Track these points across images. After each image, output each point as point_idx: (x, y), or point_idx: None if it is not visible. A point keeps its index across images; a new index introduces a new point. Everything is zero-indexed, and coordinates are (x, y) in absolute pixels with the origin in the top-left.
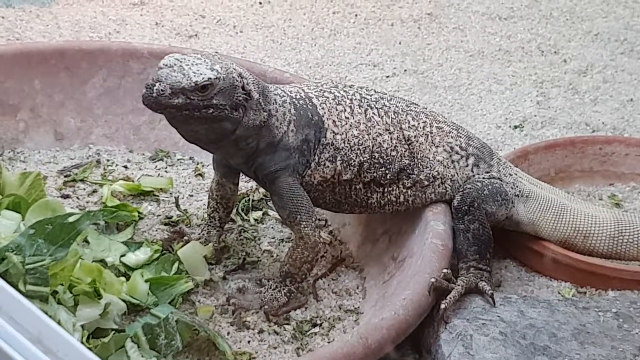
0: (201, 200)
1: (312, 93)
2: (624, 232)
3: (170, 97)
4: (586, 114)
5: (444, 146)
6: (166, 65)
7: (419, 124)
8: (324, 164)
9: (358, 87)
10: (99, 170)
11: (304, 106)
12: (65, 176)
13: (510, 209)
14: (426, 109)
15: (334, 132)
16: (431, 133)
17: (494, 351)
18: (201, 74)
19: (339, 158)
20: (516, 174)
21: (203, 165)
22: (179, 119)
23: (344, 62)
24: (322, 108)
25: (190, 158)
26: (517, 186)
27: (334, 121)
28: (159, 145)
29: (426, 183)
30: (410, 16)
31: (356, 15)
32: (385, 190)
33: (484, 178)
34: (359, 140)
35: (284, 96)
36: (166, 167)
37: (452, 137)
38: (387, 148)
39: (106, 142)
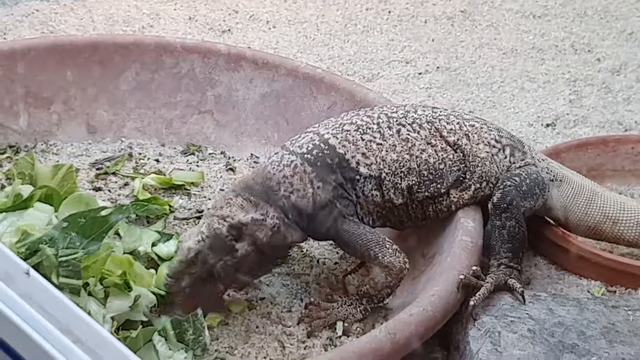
0: None
1: (328, 134)
2: None
3: (176, 283)
4: (619, 112)
5: (483, 142)
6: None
7: (454, 126)
8: (372, 195)
9: (377, 108)
10: (131, 164)
11: (319, 154)
12: (97, 169)
13: (546, 194)
14: (447, 109)
15: (366, 164)
16: (469, 132)
17: (522, 348)
18: (183, 250)
19: (383, 186)
20: (548, 159)
21: (234, 160)
22: (206, 287)
23: (376, 59)
24: (343, 146)
25: (222, 152)
26: (551, 170)
27: (363, 153)
28: (191, 139)
29: (478, 185)
30: (443, 13)
31: (389, 11)
32: (437, 200)
33: (521, 170)
34: (400, 163)
35: (293, 161)
36: (197, 161)
37: (485, 132)
38: (434, 162)
39: (138, 136)
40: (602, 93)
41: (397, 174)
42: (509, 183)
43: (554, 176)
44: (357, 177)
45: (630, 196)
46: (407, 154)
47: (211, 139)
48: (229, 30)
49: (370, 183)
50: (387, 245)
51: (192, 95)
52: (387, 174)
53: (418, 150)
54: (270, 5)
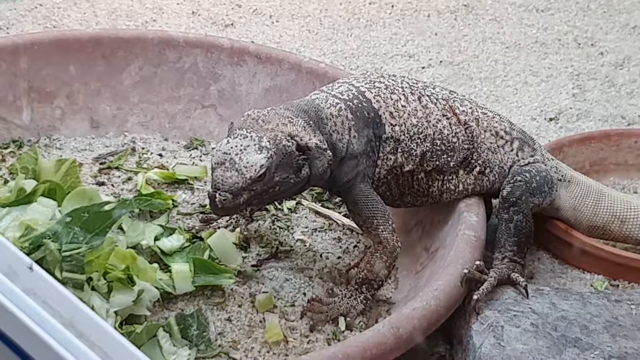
0: None
1: (363, 87)
2: None
3: (234, 200)
4: (622, 106)
5: (490, 131)
6: (218, 163)
7: (466, 109)
8: (387, 158)
9: (399, 76)
10: (134, 158)
11: (359, 105)
12: (100, 163)
13: (554, 194)
14: (464, 95)
15: (391, 124)
16: (479, 118)
17: (525, 342)
18: (252, 165)
19: (399, 150)
20: (556, 159)
21: None
22: (253, 204)
23: (379, 53)
24: (377, 101)
25: None
26: (559, 170)
27: (390, 113)
28: (194, 134)
29: (483, 169)
30: (446, 7)
31: (392, 6)
32: (445, 177)
33: (531, 167)
34: (419, 128)
35: (338, 103)
36: (201, 156)
37: (496, 122)
38: (447, 134)
39: (141, 130)
40: (605, 87)
41: (414, 139)
42: (519, 178)
43: (562, 176)
44: (383, 136)
45: (633, 190)
46: (426, 120)
47: (214, 133)
48: (232, 24)
49: (389, 145)
50: (390, 222)
51: (195, 89)
52: (405, 137)
53: (434, 119)
54: (273, 0)
